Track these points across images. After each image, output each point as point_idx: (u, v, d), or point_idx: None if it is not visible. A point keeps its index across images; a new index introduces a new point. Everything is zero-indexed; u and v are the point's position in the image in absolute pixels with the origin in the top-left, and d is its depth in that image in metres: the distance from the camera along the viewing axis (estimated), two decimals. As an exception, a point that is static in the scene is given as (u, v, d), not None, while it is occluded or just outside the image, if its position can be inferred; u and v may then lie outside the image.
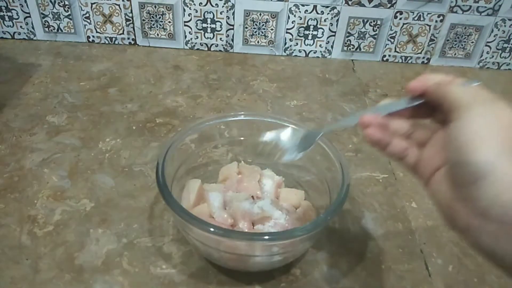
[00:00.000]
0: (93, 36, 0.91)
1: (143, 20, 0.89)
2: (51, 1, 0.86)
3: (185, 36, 0.91)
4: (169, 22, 0.89)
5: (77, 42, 0.92)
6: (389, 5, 0.86)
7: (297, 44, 0.91)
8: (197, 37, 0.91)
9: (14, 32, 0.90)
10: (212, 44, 0.92)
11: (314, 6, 0.86)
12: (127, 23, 0.89)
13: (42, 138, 0.65)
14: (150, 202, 0.55)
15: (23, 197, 0.55)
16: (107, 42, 0.92)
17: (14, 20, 0.89)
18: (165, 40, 0.91)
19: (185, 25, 0.89)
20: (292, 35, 0.90)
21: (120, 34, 0.91)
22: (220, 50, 0.93)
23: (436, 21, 0.88)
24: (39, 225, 0.51)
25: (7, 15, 0.88)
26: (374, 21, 0.88)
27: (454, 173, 0.28)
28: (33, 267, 0.47)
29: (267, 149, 0.43)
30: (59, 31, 0.90)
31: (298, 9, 0.87)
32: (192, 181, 0.52)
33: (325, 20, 0.88)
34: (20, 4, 0.87)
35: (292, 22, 0.88)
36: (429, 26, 0.89)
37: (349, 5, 0.86)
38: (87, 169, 0.60)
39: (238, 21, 0.89)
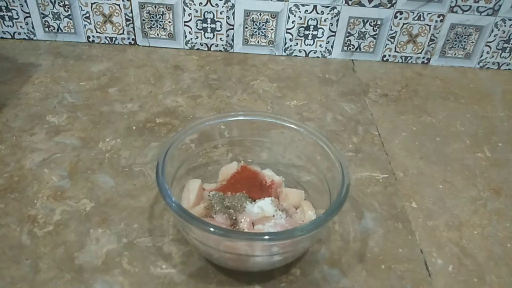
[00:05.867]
0: (93, 36, 0.91)
1: (143, 20, 0.89)
2: (51, 1, 0.86)
3: (185, 36, 0.91)
4: (169, 22, 0.89)
5: (77, 42, 0.92)
6: (389, 5, 0.86)
7: (297, 44, 0.91)
8: (197, 37, 0.91)
9: (14, 32, 0.90)
10: (212, 44, 0.92)
11: (314, 6, 0.86)
12: (127, 23, 0.89)
13: (42, 138, 0.65)
14: (150, 202, 0.55)
15: (23, 197, 0.55)
16: (107, 42, 0.92)
17: (14, 20, 0.89)
18: (165, 40, 0.91)
19: (185, 25, 0.89)
20: (292, 35, 0.90)
21: (120, 34, 0.91)
22: (220, 50, 0.93)
23: (436, 21, 0.88)
24: (39, 225, 0.51)
25: (7, 15, 0.88)
26: (374, 21, 0.88)
27: None
28: (33, 267, 0.47)
29: None
30: (59, 31, 0.90)
31: (298, 9, 0.87)
32: (192, 181, 0.52)
33: (325, 20, 0.88)
34: (20, 4, 0.87)
35: (292, 22, 0.88)
36: (429, 26, 0.89)
37: (349, 5, 0.86)
38: (87, 169, 0.60)
39: (238, 21, 0.89)
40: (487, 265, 0.51)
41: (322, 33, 0.90)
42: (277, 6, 0.86)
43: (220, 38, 0.91)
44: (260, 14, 0.87)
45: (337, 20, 0.88)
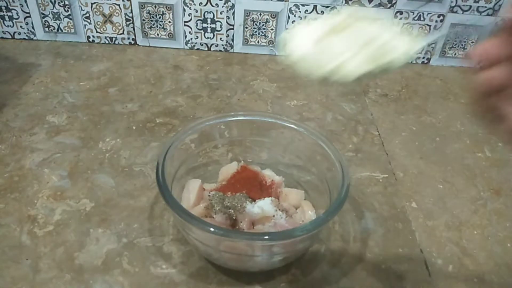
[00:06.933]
0: (93, 36, 0.91)
1: (143, 20, 0.89)
2: (51, 1, 0.86)
3: (185, 36, 0.91)
4: (169, 22, 0.89)
5: (77, 42, 0.92)
6: (389, 5, 0.86)
7: (297, 44, 0.91)
8: (197, 37, 0.91)
9: (14, 32, 0.90)
10: (212, 44, 0.92)
11: (314, 6, 0.86)
12: (127, 23, 0.89)
13: (42, 138, 0.65)
14: (150, 202, 0.55)
15: (23, 197, 0.55)
16: (107, 42, 0.92)
17: (14, 20, 0.89)
18: (165, 40, 0.91)
19: (185, 25, 0.89)
20: (292, 35, 0.90)
21: (120, 34, 0.91)
22: (220, 50, 0.93)
23: (436, 21, 0.88)
24: (39, 225, 0.51)
25: (7, 15, 0.88)
26: (374, 21, 0.88)
27: None
28: (33, 267, 0.47)
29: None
30: (59, 31, 0.90)
31: (298, 9, 0.87)
32: (192, 181, 0.52)
33: (325, 20, 0.88)
34: (20, 4, 0.87)
35: (292, 22, 0.88)
36: (429, 26, 0.89)
37: (349, 5, 0.86)
38: (87, 169, 0.60)
39: (238, 21, 0.89)
40: (487, 265, 0.51)
41: (322, 33, 0.90)
42: (277, 6, 0.86)
43: (220, 38, 0.91)
44: (260, 14, 0.87)
45: (337, 20, 0.88)
